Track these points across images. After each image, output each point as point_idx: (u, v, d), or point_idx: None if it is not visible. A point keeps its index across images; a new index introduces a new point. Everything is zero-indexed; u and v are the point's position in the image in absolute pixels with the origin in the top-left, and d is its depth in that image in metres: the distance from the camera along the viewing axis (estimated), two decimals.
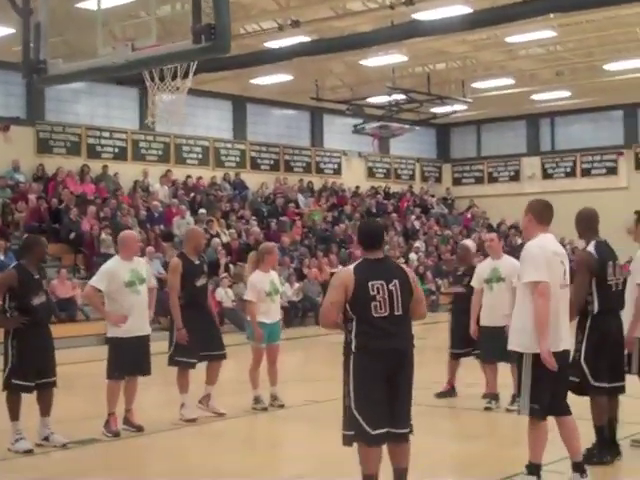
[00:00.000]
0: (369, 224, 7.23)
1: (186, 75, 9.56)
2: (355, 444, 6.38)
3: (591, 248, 7.70)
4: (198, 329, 10.02)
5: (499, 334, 9.88)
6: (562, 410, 6.84)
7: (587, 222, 7.77)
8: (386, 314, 6.30)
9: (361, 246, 6.63)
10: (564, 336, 6.81)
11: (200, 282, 10.26)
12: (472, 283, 10.80)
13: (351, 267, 6.50)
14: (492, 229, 33.93)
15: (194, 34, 7.48)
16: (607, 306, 7.54)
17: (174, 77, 9.66)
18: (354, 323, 6.34)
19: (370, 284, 6.29)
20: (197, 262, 10.33)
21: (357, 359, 6.31)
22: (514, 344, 6.93)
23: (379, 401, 6.26)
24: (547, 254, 6.80)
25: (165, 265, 21.63)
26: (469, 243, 11.77)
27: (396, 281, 6.37)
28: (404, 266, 6.82)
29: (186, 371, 10.21)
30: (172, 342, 10.09)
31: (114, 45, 8.34)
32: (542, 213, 7.10)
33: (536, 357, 6.69)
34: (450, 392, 11.37)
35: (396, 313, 6.34)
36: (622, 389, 7.98)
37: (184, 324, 9.93)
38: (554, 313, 6.70)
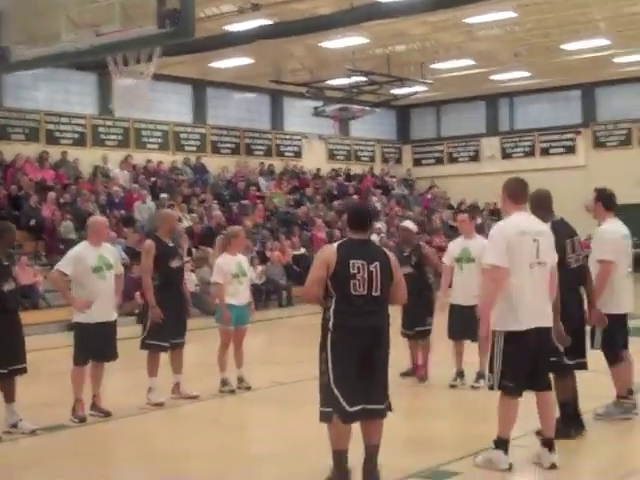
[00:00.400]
0: (358, 206, 7.59)
1: (150, 59, 9.52)
2: (323, 423, 6.47)
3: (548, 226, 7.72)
4: (170, 313, 10.10)
5: (468, 313, 10.06)
6: (540, 385, 6.94)
7: (541, 203, 7.74)
8: (364, 293, 6.42)
9: (348, 226, 6.76)
10: (536, 314, 6.82)
11: (175, 264, 10.34)
12: (443, 259, 11.03)
13: (335, 244, 6.65)
14: (452, 209, 34.22)
15: (159, 19, 7.48)
16: (566, 284, 7.62)
17: (138, 61, 9.62)
18: (333, 300, 6.46)
19: (351, 262, 6.42)
20: (171, 244, 10.44)
21: (335, 336, 6.42)
22: None
23: (356, 378, 6.36)
24: (510, 235, 6.83)
25: (127, 250, 21.61)
26: (409, 224, 11.70)
27: (377, 263, 6.50)
28: (387, 250, 6.91)
29: (157, 355, 10.28)
30: (145, 326, 10.19)
31: (78, 31, 8.28)
32: (516, 192, 7.15)
33: (508, 335, 6.79)
34: (413, 372, 11.42)
35: (374, 294, 6.46)
36: (585, 365, 8.11)
37: (158, 305, 10.02)
38: (519, 292, 6.75)
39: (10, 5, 8.98)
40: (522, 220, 6.97)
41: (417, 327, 11.01)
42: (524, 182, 7.26)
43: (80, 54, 8.35)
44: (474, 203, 33.62)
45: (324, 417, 6.47)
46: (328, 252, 6.55)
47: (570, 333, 7.36)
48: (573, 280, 7.76)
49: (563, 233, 7.67)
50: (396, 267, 6.69)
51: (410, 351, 11.46)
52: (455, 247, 10.86)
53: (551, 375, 7.24)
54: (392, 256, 6.76)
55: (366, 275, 6.42)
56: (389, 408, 6.60)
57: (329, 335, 6.44)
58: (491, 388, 7.00)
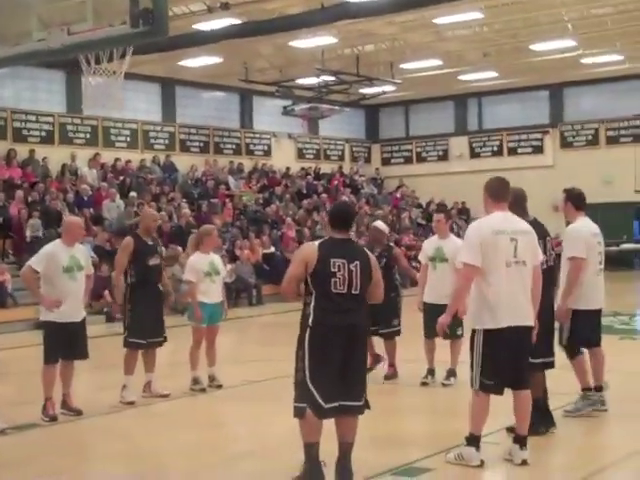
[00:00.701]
0: (341, 205, 7.79)
1: (122, 57, 9.51)
2: (297, 418, 6.51)
3: None
4: (146, 311, 10.17)
5: (440, 312, 10.14)
6: (519, 384, 6.99)
7: (516, 202, 7.81)
8: (344, 291, 6.49)
9: (330, 225, 6.80)
10: (514, 313, 6.85)
11: (153, 261, 10.38)
12: (419, 258, 11.13)
13: (316, 243, 6.71)
14: (421, 208, 34.39)
15: (132, 18, 7.48)
16: None
17: (110, 59, 9.60)
18: (313, 297, 6.52)
19: (332, 261, 6.48)
20: (150, 242, 10.47)
21: (314, 333, 6.46)
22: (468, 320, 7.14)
23: (334, 375, 6.41)
24: (485, 234, 6.89)
25: (96, 249, 21.53)
26: (381, 224, 11.75)
27: (357, 262, 6.57)
28: (366, 250, 6.96)
29: (136, 352, 10.33)
30: (125, 324, 10.26)
31: (49, 30, 8.25)
32: (497, 191, 7.17)
33: (486, 333, 6.85)
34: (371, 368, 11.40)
35: (353, 292, 6.53)
36: (552, 364, 8.19)
37: (134, 303, 10.13)
38: (495, 291, 6.80)
39: None
40: (499, 219, 7.01)
41: (382, 329, 10.98)
42: (505, 181, 7.29)
43: (52, 53, 8.30)
44: (442, 202, 33.79)
45: (298, 412, 6.50)
46: (308, 250, 6.63)
47: (540, 332, 7.41)
48: (544, 280, 7.78)
49: (537, 233, 7.71)
50: (375, 267, 6.78)
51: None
52: (429, 246, 10.93)
53: None
54: (372, 256, 6.87)
55: (346, 274, 6.49)
56: (367, 405, 6.65)
57: (308, 331, 6.49)
58: (472, 386, 7.02)
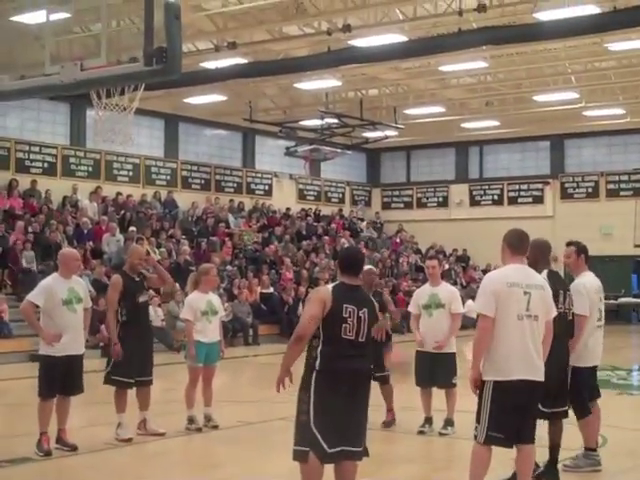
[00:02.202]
0: (352, 251, 7.54)
1: (134, 91, 9.54)
2: (297, 462, 6.44)
3: (544, 276, 7.64)
4: (136, 349, 10.05)
5: (434, 359, 10.24)
6: (526, 439, 6.92)
7: (540, 252, 7.78)
8: (352, 338, 6.46)
9: (340, 270, 6.76)
10: (525, 366, 6.77)
11: (142, 298, 10.30)
12: (409, 308, 10.95)
13: (330, 287, 6.69)
14: (420, 253, 34.39)
15: (146, 57, 7.53)
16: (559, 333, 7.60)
17: (121, 93, 9.64)
18: (320, 341, 6.45)
19: (345, 306, 6.46)
20: (137, 279, 10.35)
21: (320, 377, 6.40)
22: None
23: (338, 420, 6.36)
24: (499, 286, 6.83)
25: (94, 283, 21.48)
26: (372, 268, 11.77)
27: (366, 310, 6.55)
28: (372, 298, 6.95)
29: (124, 390, 10.17)
30: (110, 360, 10.09)
31: (62, 64, 8.28)
32: (516, 243, 7.08)
33: (496, 385, 6.78)
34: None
35: (360, 339, 6.51)
36: (565, 414, 8.17)
37: (124, 341, 9.96)
38: (506, 343, 6.76)
39: None
40: (514, 271, 6.94)
41: (377, 373, 10.93)
42: (525, 234, 7.20)
43: (65, 88, 8.33)
44: (438, 248, 33.91)
45: (299, 456, 6.43)
46: (324, 292, 6.57)
47: (556, 382, 7.35)
48: (565, 331, 7.73)
49: (558, 284, 7.65)
50: (378, 315, 6.79)
51: None
52: (422, 294, 10.81)
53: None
54: (376, 304, 6.85)
55: (355, 320, 6.47)
56: (366, 452, 6.59)
57: (314, 375, 6.42)
58: (475, 438, 6.93)
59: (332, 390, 6.38)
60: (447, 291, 10.60)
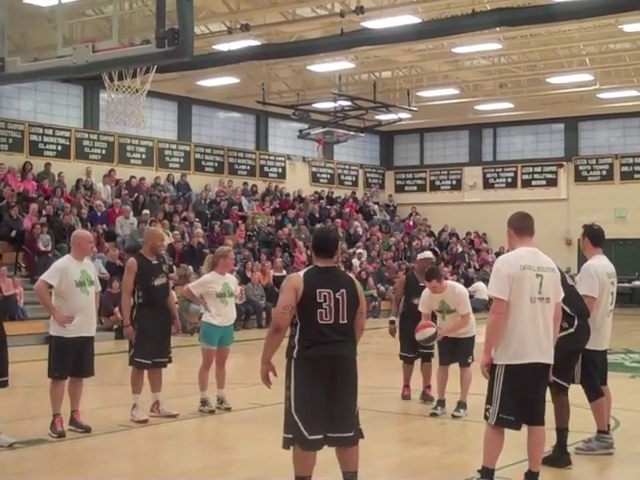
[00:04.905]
0: (324, 232, 7.20)
1: (146, 73, 9.53)
2: (285, 449, 6.48)
3: None
4: (152, 331, 10.10)
5: (454, 343, 10.59)
6: (535, 420, 6.93)
7: None
8: (331, 322, 6.38)
9: (313, 252, 6.71)
10: (536, 349, 6.78)
11: (158, 282, 10.30)
12: (419, 308, 10.86)
13: (301, 273, 6.60)
14: (433, 236, 34.34)
15: (158, 38, 7.51)
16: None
17: (133, 76, 9.63)
18: (298, 328, 6.41)
19: (318, 291, 6.37)
20: (155, 262, 10.38)
21: (299, 364, 6.37)
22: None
23: (318, 407, 6.32)
24: (513, 269, 6.81)
25: (107, 265, 21.57)
26: (429, 254, 11.95)
27: (343, 290, 6.46)
28: (352, 276, 6.90)
29: (142, 371, 10.26)
30: (131, 343, 10.18)
31: (74, 46, 8.28)
32: (520, 225, 7.09)
33: (507, 368, 6.78)
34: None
35: (341, 322, 6.42)
36: (565, 390, 8.17)
37: (140, 323, 10.04)
38: (520, 326, 6.74)
39: (6, 17, 8.95)
40: (526, 254, 6.94)
41: (420, 349, 11.18)
42: (528, 216, 7.20)
43: (77, 69, 8.31)
44: (453, 231, 33.95)
45: (286, 443, 6.46)
46: (296, 280, 6.47)
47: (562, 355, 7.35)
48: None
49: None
50: (362, 294, 6.67)
51: (404, 373, 11.69)
52: (431, 301, 10.68)
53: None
54: (358, 284, 6.75)
55: (332, 304, 6.37)
56: (360, 435, 6.55)
57: (293, 363, 6.39)
58: (487, 419, 6.93)
59: (311, 377, 6.33)
60: (452, 294, 10.55)
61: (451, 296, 10.54)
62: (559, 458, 8.01)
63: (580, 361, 8.34)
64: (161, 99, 28.80)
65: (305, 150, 33.47)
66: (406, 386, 11.71)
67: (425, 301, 10.79)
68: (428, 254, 11.97)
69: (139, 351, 10.11)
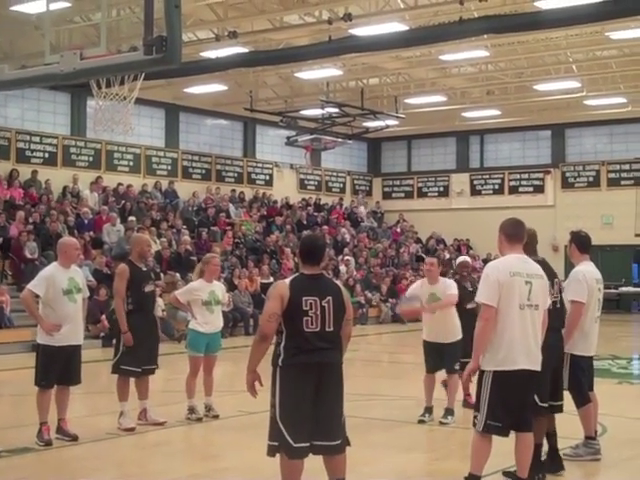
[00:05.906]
0: (311, 239, 7.21)
1: (134, 80, 9.52)
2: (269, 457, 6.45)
3: None
4: (142, 338, 10.07)
5: (439, 349, 10.50)
6: (523, 427, 6.94)
7: (530, 242, 7.68)
8: (317, 330, 6.34)
9: (300, 259, 6.68)
10: (524, 356, 6.78)
11: (148, 288, 10.32)
12: (409, 291, 11.08)
13: (287, 280, 6.57)
14: (420, 243, 34.39)
15: (145, 46, 7.50)
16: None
17: (121, 83, 9.62)
18: (284, 336, 6.37)
19: (304, 299, 6.34)
20: (144, 269, 10.41)
21: (284, 372, 6.33)
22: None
23: (304, 415, 6.29)
24: (502, 275, 6.82)
25: (94, 272, 21.50)
26: (468, 259, 12.19)
27: (330, 298, 6.43)
28: (339, 283, 6.87)
29: (127, 379, 10.22)
30: (118, 350, 10.12)
31: (62, 53, 8.26)
32: (512, 232, 7.08)
33: (495, 374, 6.79)
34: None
35: (327, 329, 6.39)
36: (560, 408, 8.14)
37: (131, 330, 9.98)
38: (508, 333, 6.74)
39: None
40: (515, 261, 6.95)
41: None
42: (521, 223, 7.20)
43: (65, 77, 8.30)
44: (440, 238, 33.98)
45: (271, 451, 6.43)
46: (281, 287, 6.44)
47: (549, 375, 7.35)
48: (554, 322, 7.70)
49: (546, 274, 7.64)
50: (348, 302, 6.63)
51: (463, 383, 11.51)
52: (422, 292, 10.72)
53: None
54: (345, 291, 6.71)
55: (319, 311, 6.34)
56: (347, 443, 6.53)
57: (278, 370, 6.35)
58: (475, 426, 6.93)
59: (297, 385, 6.30)
60: (445, 287, 10.57)
61: (442, 289, 10.57)
62: (552, 460, 8.00)
63: (568, 367, 8.36)
64: (149, 106, 28.70)
65: (293, 157, 33.50)
66: (467, 395, 11.12)
67: (416, 288, 10.88)
68: (465, 259, 12.12)
69: (127, 359, 10.05)
